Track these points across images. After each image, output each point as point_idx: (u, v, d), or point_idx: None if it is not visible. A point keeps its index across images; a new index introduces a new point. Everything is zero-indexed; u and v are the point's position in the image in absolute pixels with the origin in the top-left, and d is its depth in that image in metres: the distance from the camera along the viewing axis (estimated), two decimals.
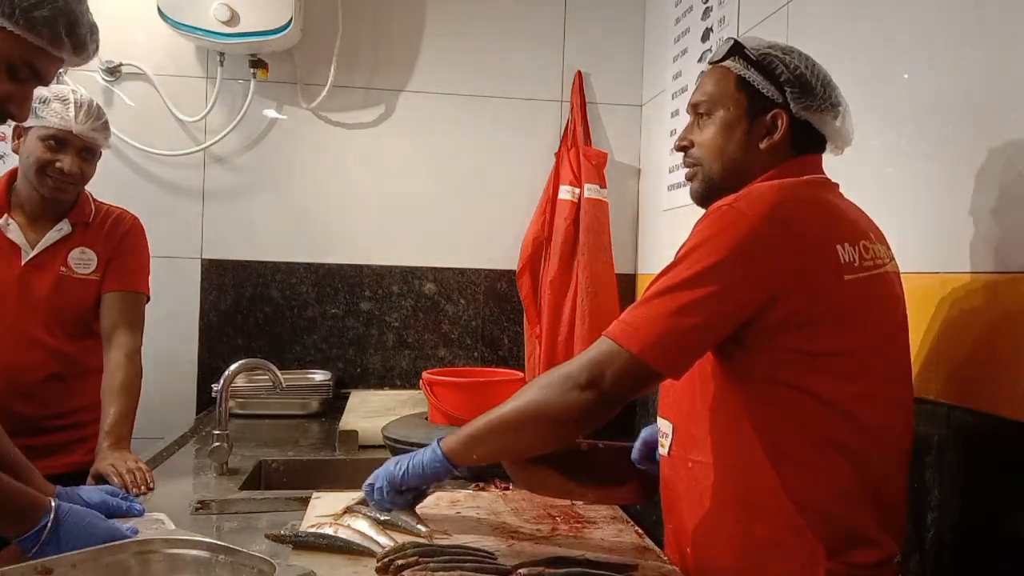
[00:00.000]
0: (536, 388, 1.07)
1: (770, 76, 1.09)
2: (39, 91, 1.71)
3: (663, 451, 1.16)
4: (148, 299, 1.85)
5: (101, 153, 1.77)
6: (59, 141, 1.65)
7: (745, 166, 1.11)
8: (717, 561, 1.07)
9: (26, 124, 1.67)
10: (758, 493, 1.02)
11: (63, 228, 1.75)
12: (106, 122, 1.74)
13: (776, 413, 1.01)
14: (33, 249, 1.73)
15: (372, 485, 1.20)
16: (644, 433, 1.33)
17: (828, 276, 0.99)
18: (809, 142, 1.12)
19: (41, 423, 1.73)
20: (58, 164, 1.66)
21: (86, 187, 1.83)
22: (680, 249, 1.02)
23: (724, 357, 1.04)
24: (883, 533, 1.03)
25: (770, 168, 1.10)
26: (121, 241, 1.81)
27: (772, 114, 1.09)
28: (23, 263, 1.72)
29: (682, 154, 1.18)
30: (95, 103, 1.72)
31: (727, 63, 1.13)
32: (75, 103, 1.67)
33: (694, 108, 1.17)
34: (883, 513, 1.04)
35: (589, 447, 1.36)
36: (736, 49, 1.12)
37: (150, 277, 1.87)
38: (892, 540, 1.04)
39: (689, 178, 1.18)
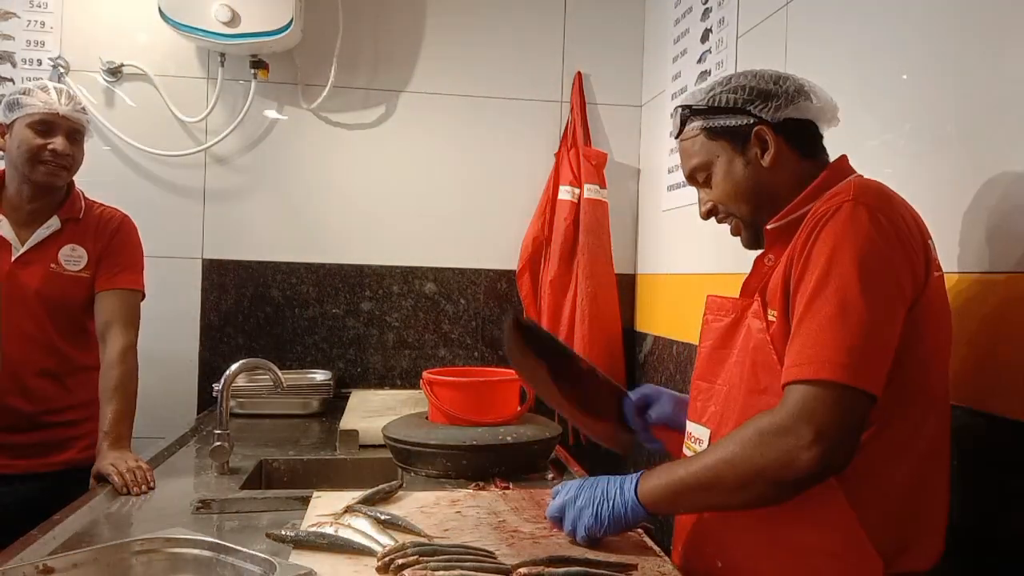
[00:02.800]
0: (748, 444, 0.95)
1: (727, 110, 1.12)
2: (21, 84, 1.74)
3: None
4: (144, 296, 1.85)
5: (83, 141, 1.78)
6: (48, 124, 1.68)
7: (767, 191, 1.12)
8: (760, 573, 1.05)
9: (10, 118, 1.69)
10: (818, 502, 0.97)
11: (52, 224, 1.76)
12: (85, 108, 1.76)
13: None
14: (23, 245, 1.73)
15: (572, 532, 1.14)
16: (643, 388, 1.36)
17: (930, 271, 0.99)
18: (806, 136, 1.13)
19: (35, 419, 1.74)
20: (51, 146, 1.67)
21: (77, 185, 1.83)
22: (813, 256, 0.96)
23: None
24: (938, 532, 1.03)
25: (791, 178, 1.10)
26: (111, 239, 1.81)
27: (755, 133, 1.11)
28: (13, 259, 1.72)
29: (713, 218, 1.20)
30: (71, 91, 1.76)
31: (688, 128, 1.16)
32: (55, 89, 1.71)
33: (692, 180, 1.20)
34: (937, 511, 1.03)
35: (588, 368, 1.37)
36: (686, 111, 1.16)
37: (145, 275, 1.87)
38: (943, 539, 1.03)
39: (734, 232, 1.19)
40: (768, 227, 1.11)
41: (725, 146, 1.13)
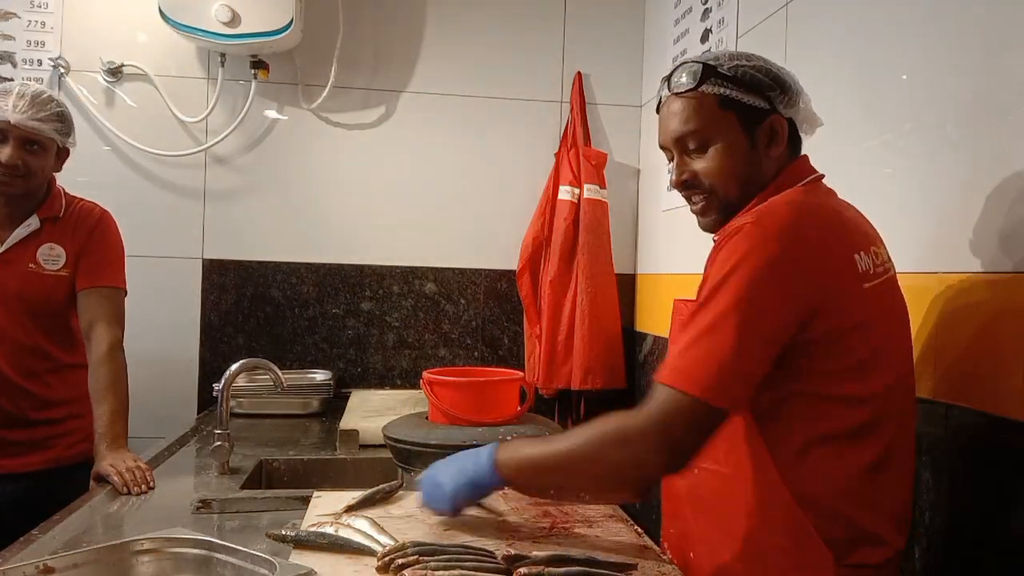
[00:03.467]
0: (608, 441, 1.00)
1: (751, 87, 1.08)
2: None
3: None
4: (126, 293, 1.83)
5: (61, 147, 1.73)
6: (1, 132, 1.63)
7: (757, 180, 1.10)
8: (723, 567, 1.07)
9: None
10: (767, 500, 1.01)
11: (32, 224, 1.73)
12: (58, 114, 1.69)
13: (790, 419, 1.01)
14: (2, 246, 1.71)
15: (442, 488, 1.16)
16: None
17: (852, 287, 0.99)
18: (795, 137, 1.13)
19: (18, 417, 1.73)
20: None
21: (59, 183, 1.80)
22: (710, 274, 0.99)
23: None
24: (892, 529, 1.03)
25: (773, 174, 1.10)
26: (89, 236, 1.78)
27: (770, 121, 1.08)
28: None
29: (682, 188, 1.15)
30: (44, 96, 1.68)
31: (700, 88, 1.08)
32: (17, 94, 1.63)
33: (679, 143, 1.12)
34: (892, 508, 1.04)
35: None
36: (708, 72, 1.08)
37: (145, 275, 1.86)
38: (899, 536, 1.05)
39: (702, 212, 1.14)
40: (715, 237, 1.11)
41: (733, 121, 1.08)
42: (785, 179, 1.09)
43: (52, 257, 1.74)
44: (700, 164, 1.11)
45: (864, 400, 1.00)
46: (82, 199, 1.84)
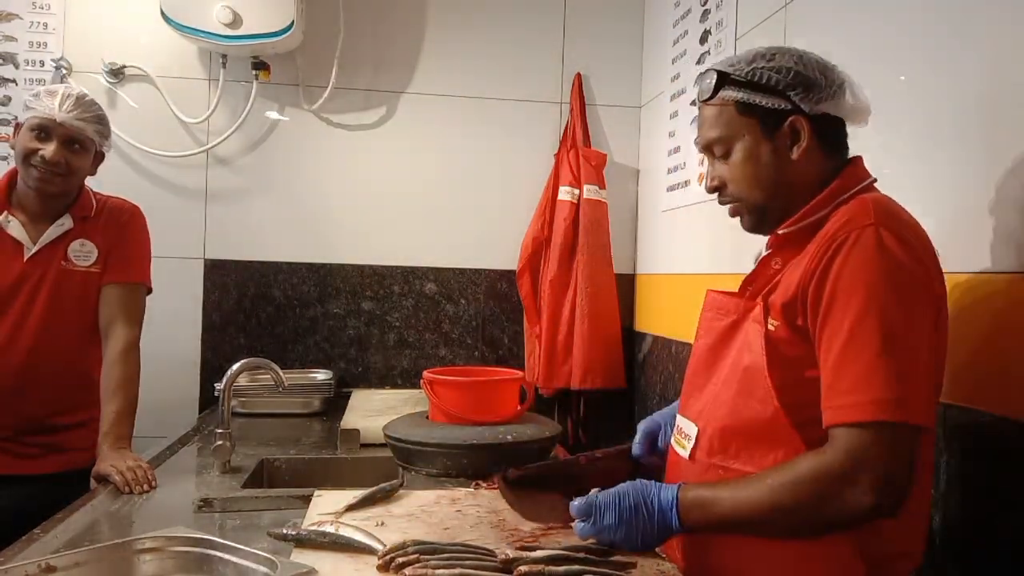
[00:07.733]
0: (805, 492, 0.93)
1: (768, 89, 1.06)
2: (36, 87, 1.72)
3: (682, 452, 1.13)
4: (150, 290, 1.83)
5: (98, 150, 1.75)
6: (44, 130, 1.65)
7: (785, 181, 1.08)
8: (747, 574, 1.05)
9: (22, 118, 1.68)
10: None
11: (64, 223, 1.74)
12: (99, 117, 1.72)
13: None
14: (35, 245, 1.72)
15: (611, 541, 1.06)
16: (643, 426, 1.32)
17: (943, 288, 0.99)
18: (834, 131, 1.09)
19: (47, 421, 1.73)
20: (41, 152, 1.64)
21: (87, 184, 1.81)
22: (842, 288, 0.94)
23: (793, 373, 1.00)
24: (919, 540, 1.03)
25: (812, 174, 1.07)
26: (120, 231, 1.79)
27: (789, 122, 1.06)
28: (25, 259, 1.71)
29: (716, 194, 1.15)
30: (88, 98, 1.71)
31: (719, 95, 1.09)
32: (63, 95, 1.67)
33: (707, 150, 1.14)
34: (922, 519, 1.03)
35: (587, 460, 1.33)
36: (723, 79, 1.09)
37: (151, 269, 1.85)
38: (923, 546, 1.04)
39: (735, 214, 1.14)
40: (779, 232, 1.08)
41: (754, 126, 1.07)
42: (843, 183, 1.06)
43: (83, 253, 1.75)
44: (725, 171, 1.12)
45: None
46: (112, 196, 1.85)
